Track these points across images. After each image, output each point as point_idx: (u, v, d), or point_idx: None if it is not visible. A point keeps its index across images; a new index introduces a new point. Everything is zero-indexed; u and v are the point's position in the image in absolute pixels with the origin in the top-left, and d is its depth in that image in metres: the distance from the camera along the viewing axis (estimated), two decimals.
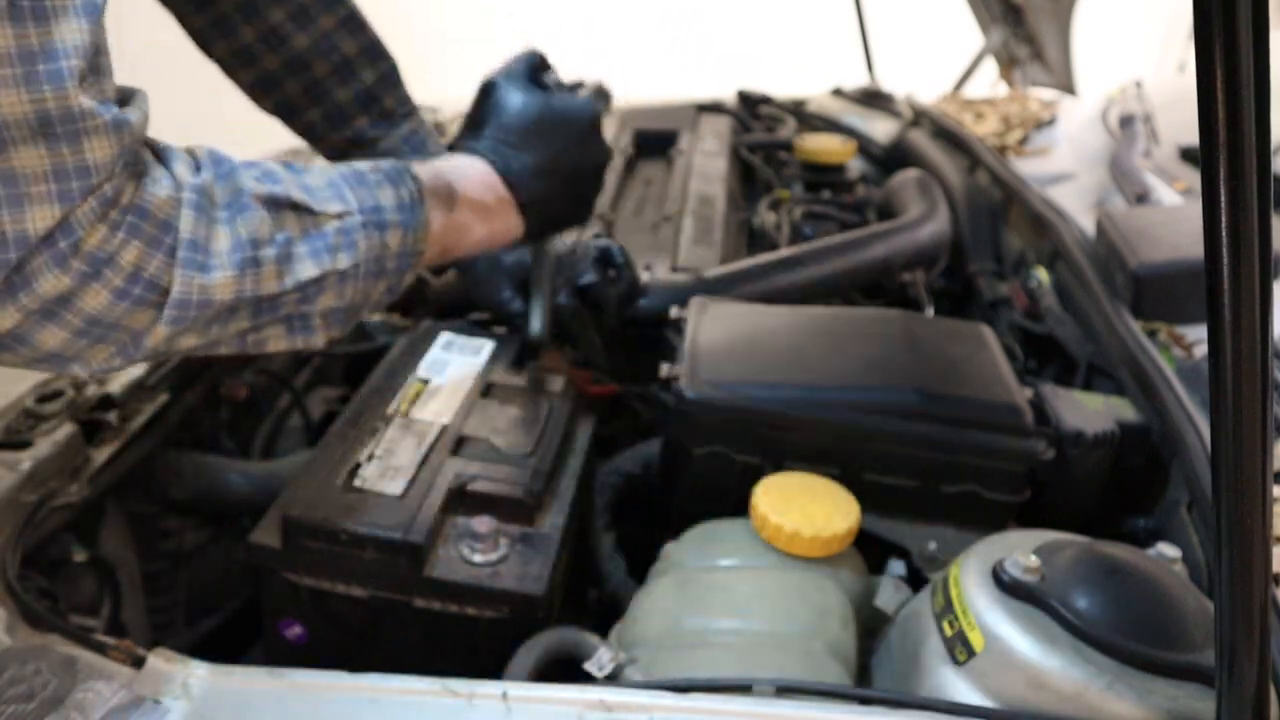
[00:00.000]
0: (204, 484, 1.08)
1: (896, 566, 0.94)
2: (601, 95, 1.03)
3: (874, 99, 2.32)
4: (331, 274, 0.73)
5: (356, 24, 1.09)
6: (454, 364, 1.10)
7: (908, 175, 1.75)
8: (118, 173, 0.61)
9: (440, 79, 2.93)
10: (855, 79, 2.46)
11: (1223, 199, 0.52)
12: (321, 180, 0.76)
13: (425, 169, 0.84)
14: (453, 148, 0.94)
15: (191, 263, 0.65)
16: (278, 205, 0.71)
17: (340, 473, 0.90)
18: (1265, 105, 0.51)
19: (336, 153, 1.11)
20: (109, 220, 0.61)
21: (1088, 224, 1.42)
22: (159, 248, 0.64)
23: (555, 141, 0.93)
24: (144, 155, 0.64)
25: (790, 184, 1.83)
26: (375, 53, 1.11)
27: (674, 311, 1.14)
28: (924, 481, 0.96)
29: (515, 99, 0.93)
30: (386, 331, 1.38)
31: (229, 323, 0.70)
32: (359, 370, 1.29)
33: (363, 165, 0.80)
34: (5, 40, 0.54)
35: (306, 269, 0.72)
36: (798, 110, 2.20)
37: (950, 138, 1.93)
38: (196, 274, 0.66)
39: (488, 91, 0.95)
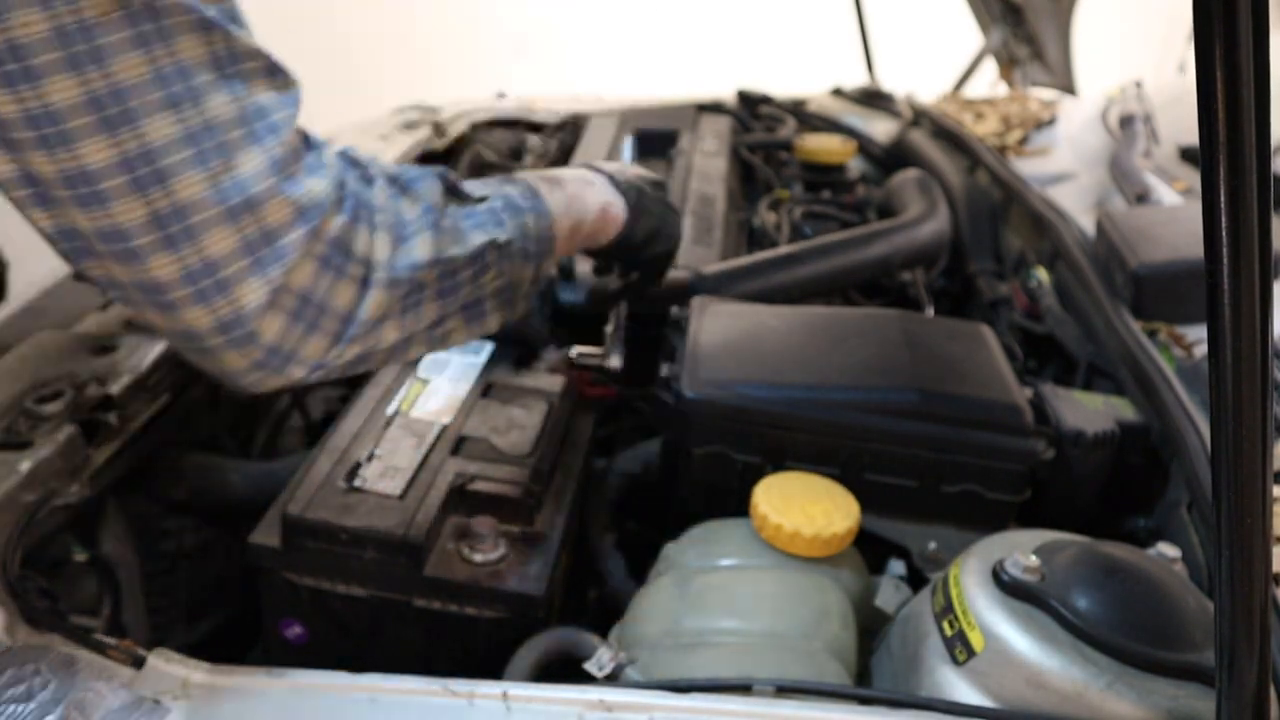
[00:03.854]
0: (204, 484, 1.08)
1: (896, 566, 0.94)
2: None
3: (874, 99, 2.32)
4: (493, 247, 0.78)
5: None
6: (454, 364, 1.10)
7: (908, 175, 1.75)
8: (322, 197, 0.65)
9: (441, 79, 2.93)
10: (855, 79, 2.46)
11: (1223, 199, 0.52)
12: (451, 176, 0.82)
13: (526, 172, 0.91)
14: None
15: (390, 225, 0.70)
16: (442, 182, 0.77)
17: (340, 473, 0.90)
18: (1265, 105, 0.51)
19: None
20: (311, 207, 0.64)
21: (1088, 224, 1.42)
22: (360, 221, 0.67)
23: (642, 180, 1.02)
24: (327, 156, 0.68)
25: (790, 184, 1.83)
26: None
27: (674, 311, 1.14)
28: (924, 481, 0.96)
29: None
30: None
31: (420, 308, 0.73)
32: None
33: (475, 180, 0.86)
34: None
35: (475, 237, 0.77)
36: (798, 110, 2.20)
37: (950, 138, 1.93)
38: (398, 234, 0.70)
39: None
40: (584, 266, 1.21)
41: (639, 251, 1.01)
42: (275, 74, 0.63)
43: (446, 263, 0.74)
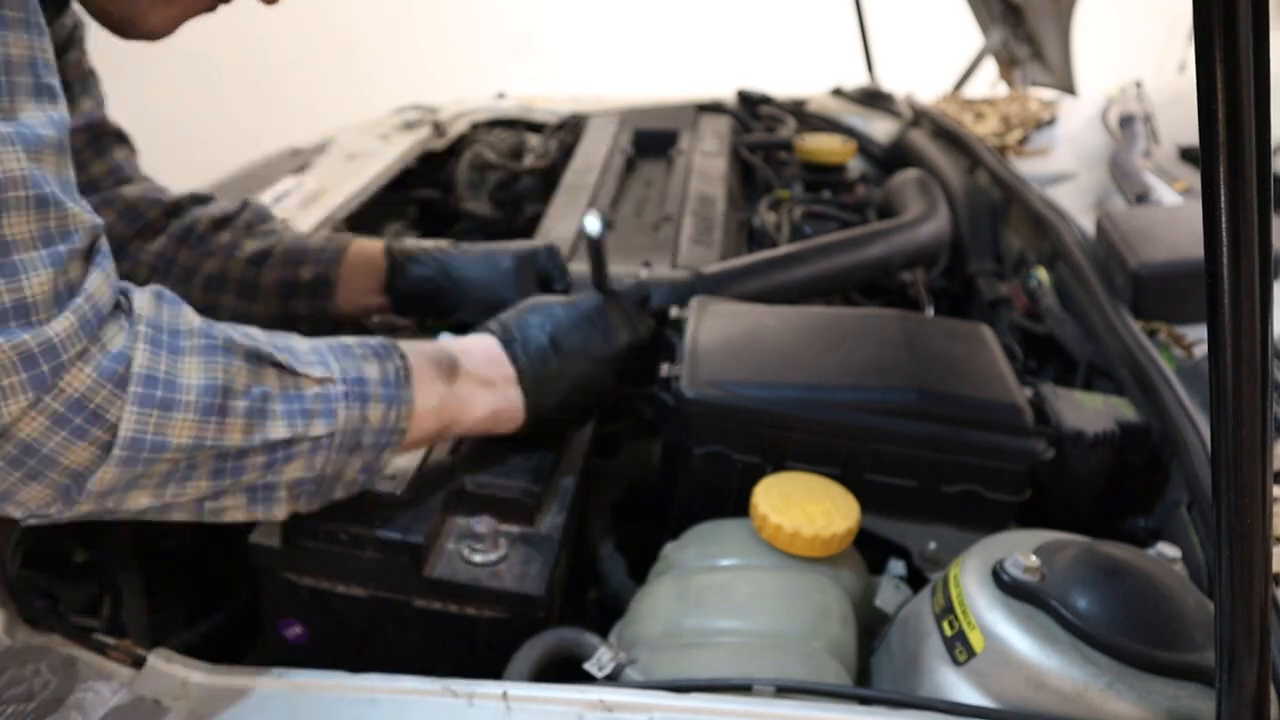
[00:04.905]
0: None
1: (896, 566, 0.94)
2: (639, 290, 1.05)
3: (874, 99, 2.32)
4: (304, 440, 0.71)
5: None
6: None
7: (908, 175, 1.75)
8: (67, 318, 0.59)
9: (441, 79, 2.93)
10: (855, 79, 2.46)
11: (1223, 199, 0.52)
12: (305, 346, 0.75)
13: (425, 345, 0.85)
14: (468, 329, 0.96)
15: (148, 399, 0.62)
16: (259, 359, 0.69)
17: None
18: (1265, 105, 0.51)
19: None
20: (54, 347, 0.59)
21: (1088, 224, 1.42)
22: (115, 383, 0.61)
23: (563, 323, 0.94)
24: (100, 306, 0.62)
25: (790, 184, 1.83)
26: None
27: (674, 311, 1.14)
28: (924, 481, 0.96)
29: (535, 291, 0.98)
30: (386, 331, 1.38)
31: (186, 482, 0.67)
32: None
33: (349, 340, 0.79)
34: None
35: (278, 429, 0.69)
36: (798, 110, 2.20)
37: (950, 138, 1.93)
38: (155, 410, 0.63)
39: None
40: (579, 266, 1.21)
41: (563, 420, 0.96)
42: (47, 207, 0.58)
43: (220, 449, 0.66)
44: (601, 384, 0.97)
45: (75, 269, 0.60)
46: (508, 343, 0.91)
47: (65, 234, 0.60)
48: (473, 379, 0.86)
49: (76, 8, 0.85)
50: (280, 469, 0.71)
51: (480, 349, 0.90)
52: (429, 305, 1.17)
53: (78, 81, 1.05)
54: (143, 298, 0.66)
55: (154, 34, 0.84)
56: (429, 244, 1.18)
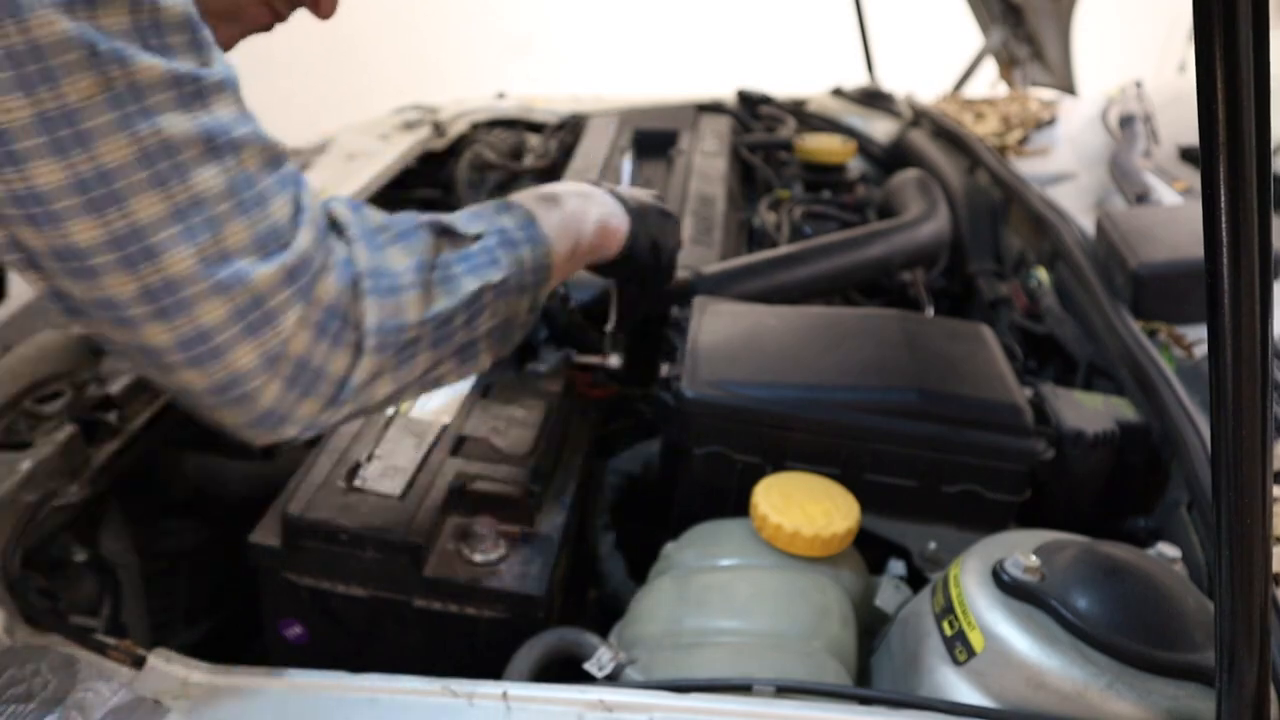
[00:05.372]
0: (204, 484, 1.08)
1: (896, 566, 0.94)
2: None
3: (874, 99, 2.32)
4: (488, 289, 0.77)
5: None
6: None
7: (908, 175, 1.75)
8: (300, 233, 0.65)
9: (441, 79, 2.93)
10: (855, 79, 2.46)
11: (1223, 199, 0.52)
12: (451, 215, 0.81)
13: (523, 193, 0.90)
14: None
15: (378, 289, 0.69)
16: (434, 230, 0.76)
17: (340, 473, 0.90)
18: (1265, 105, 0.51)
19: None
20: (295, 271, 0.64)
21: (1088, 224, 1.42)
22: (351, 285, 0.67)
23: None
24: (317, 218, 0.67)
25: (790, 184, 1.83)
26: None
27: (674, 311, 1.14)
28: (924, 481, 0.96)
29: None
30: None
31: (414, 359, 0.73)
32: None
33: (473, 207, 0.84)
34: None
35: (468, 284, 0.76)
36: (798, 110, 2.20)
37: (950, 138, 1.93)
38: (388, 297, 0.69)
39: None
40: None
41: (641, 263, 1.00)
42: (262, 139, 0.63)
43: (438, 316, 0.73)
44: (675, 249, 1.06)
45: (296, 188, 0.66)
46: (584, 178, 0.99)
47: (279, 159, 0.65)
48: (573, 197, 0.93)
49: None
50: (476, 323, 0.78)
51: (565, 182, 0.97)
52: None
53: None
54: (339, 207, 0.72)
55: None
56: None
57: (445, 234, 0.77)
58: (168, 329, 0.60)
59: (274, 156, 0.64)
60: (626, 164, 1.06)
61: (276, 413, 0.66)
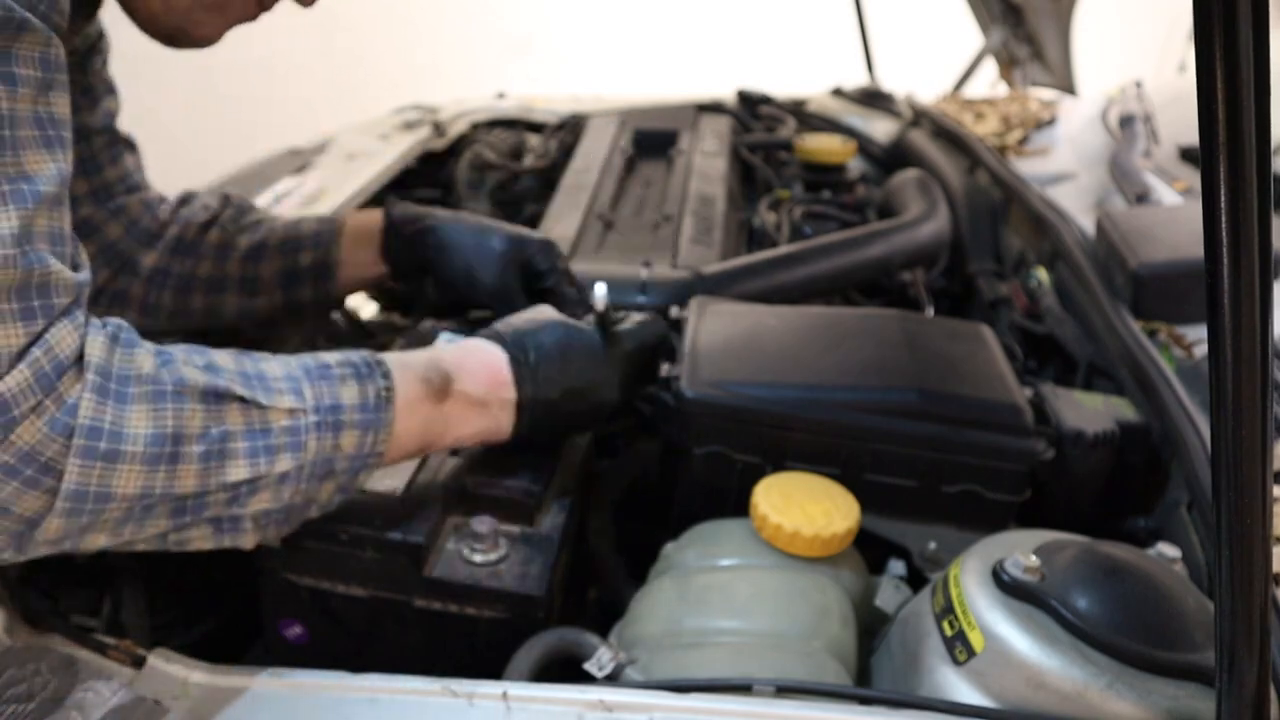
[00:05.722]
0: None
1: (896, 566, 0.94)
2: (651, 326, 1.00)
3: (874, 99, 2.32)
4: (264, 478, 0.69)
5: None
6: None
7: (908, 175, 1.75)
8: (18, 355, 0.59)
9: (441, 79, 2.93)
10: (855, 79, 2.46)
11: (1223, 199, 0.52)
12: (280, 371, 0.73)
13: (418, 358, 0.82)
14: (478, 330, 0.93)
15: (91, 451, 0.61)
16: (219, 398, 0.67)
17: None
18: (1265, 105, 0.51)
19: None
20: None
21: (1088, 224, 1.42)
22: (65, 434, 0.60)
23: (578, 356, 0.90)
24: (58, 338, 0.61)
25: (790, 184, 1.83)
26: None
27: (674, 311, 1.14)
28: (924, 481, 0.96)
29: (547, 312, 0.94)
30: (386, 331, 1.38)
31: (145, 522, 0.66)
32: None
33: (331, 357, 0.76)
34: None
35: (238, 470, 0.67)
36: (798, 110, 2.20)
37: (950, 138, 1.93)
38: (99, 463, 0.61)
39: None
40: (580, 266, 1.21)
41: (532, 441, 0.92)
42: (30, 268, 0.58)
43: (171, 495, 0.65)
44: (591, 419, 0.94)
45: (45, 324, 0.60)
46: (517, 363, 0.87)
47: (44, 289, 0.60)
48: (465, 399, 0.83)
49: (103, 17, 0.85)
50: (245, 502, 0.70)
51: (485, 367, 0.86)
52: (421, 267, 1.17)
53: (100, 85, 1.07)
54: (96, 343, 0.64)
55: (203, 42, 0.85)
56: (426, 207, 1.18)
57: (240, 402, 0.68)
58: None
59: (40, 283, 0.59)
60: (600, 292, 0.97)
61: None
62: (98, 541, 0.66)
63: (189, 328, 1.16)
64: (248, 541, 0.74)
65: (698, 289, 1.21)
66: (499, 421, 0.87)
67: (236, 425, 0.67)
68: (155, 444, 0.63)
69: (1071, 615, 0.70)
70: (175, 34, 0.84)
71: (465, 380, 0.84)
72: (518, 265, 1.13)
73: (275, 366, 0.73)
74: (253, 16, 0.85)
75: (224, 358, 0.71)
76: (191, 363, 0.68)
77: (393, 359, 0.80)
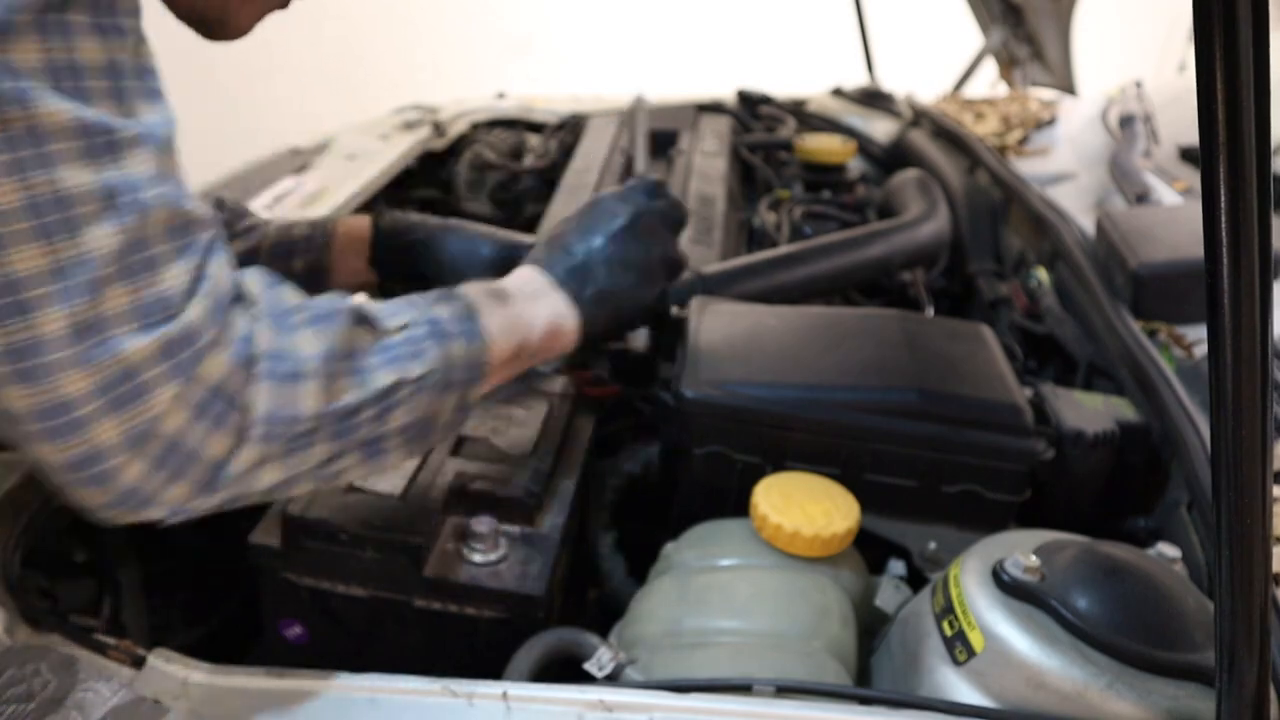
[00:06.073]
0: None
1: (896, 566, 0.94)
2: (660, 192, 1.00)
3: (874, 99, 2.32)
4: (404, 383, 0.72)
5: None
6: None
7: (908, 175, 1.75)
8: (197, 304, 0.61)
9: (441, 79, 2.93)
10: (855, 79, 2.46)
11: (1223, 199, 0.52)
12: (377, 304, 0.77)
13: (469, 285, 0.86)
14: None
15: (275, 373, 0.64)
16: (354, 319, 0.71)
17: None
18: (1265, 105, 0.51)
19: None
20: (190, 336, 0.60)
21: (1088, 224, 1.42)
22: (243, 365, 0.63)
23: (593, 225, 0.94)
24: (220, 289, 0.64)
25: (790, 184, 1.83)
26: None
27: (674, 311, 1.14)
28: (924, 481, 0.96)
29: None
30: None
31: (310, 449, 0.68)
32: None
33: (410, 296, 0.81)
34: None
35: (381, 378, 0.71)
36: (798, 110, 2.20)
37: (950, 138, 1.93)
38: (285, 384, 0.65)
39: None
40: None
41: (605, 338, 0.97)
42: (176, 207, 0.60)
43: (341, 410, 0.68)
44: (641, 271, 0.95)
45: (200, 259, 0.62)
46: (535, 261, 0.93)
47: (190, 228, 0.61)
48: (522, 296, 0.88)
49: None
50: (387, 418, 0.73)
51: (515, 274, 0.92)
52: (410, 276, 1.17)
53: None
54: (252, 281, 0.68)
55: (240, 33, 0.85)
56: (415, 217, 1.18)
57: (364, 322, 0.72)
58: (27, 394, 0.56)
59: (186, 222, 0.61)
60: (640, 152, 1.07)
61: (140, 494, 0.61)
62: (269, 478, 0.67)
63: None
64: (394, 460, 0.76)
65: (698, 289, 1.21)
66: (560, 306, 0.90)
67: (368, 342, 0.72)
68: (326, 360, 0.67)
69: (1071, 615, 0.70)
70: (217, 25, 0.83)
71: (512, 284, 0.89)
72: (509, 270, 1.13)
73: (373, 301, 0.77)
74: (283, 4, 0.85)
75: (334, 295, 0.75)
76: (320, 296, 0.73)
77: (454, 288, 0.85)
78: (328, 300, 0.72)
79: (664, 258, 0.97)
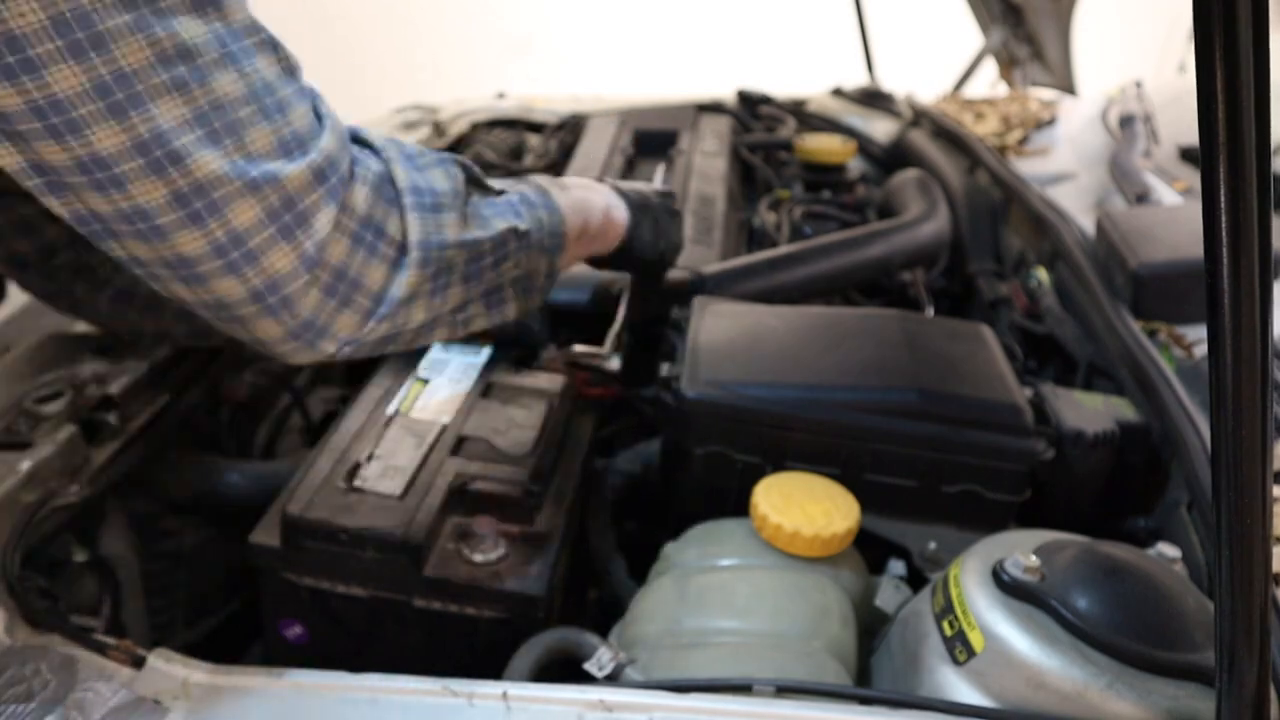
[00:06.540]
0: (204, 484, 1.08)
1: (896, 566, 0.94)
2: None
3: (874, 99, 2.32)
4: (513, 235, 0.79)
5: None
6: (454, 364, 1.10)
7: (908, 175, 1.75)
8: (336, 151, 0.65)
9: (441, 79, 2.93)
10: (855, 79, 2.46)
11: (1223, 199, 0.52)
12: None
13: (529, 176, 0.92)
14: None
15: (422, 205, 0.70)
16: (464, 169, 0.77)
17: (340, 473, 0.90)
18: (1265, 105, 0.51)
19: None
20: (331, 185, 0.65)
21: (1088, 224, 1.42)
22: (386, 198, 0.68)
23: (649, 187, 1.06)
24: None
25: (790, 184, 1.83)
26: None
27: (674, 311, 1.14)
28: (924, 481, 0.96)
29: None
30: None
31: (447, 290, 0.74)
32: (359, 370, 1.29)
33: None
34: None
35: (497, 223, 0.78)
36: (798, 110, 2.20)
37: (950, 138, 1.93)
38: (430, 214, 0.70)
39: None
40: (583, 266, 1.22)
41: (641, 256, 1.03)
42: (277, 49, 0.63)
43: (473, 245, 0.74)
44: (676, 243, 1.08)
45: (314, 99, 0.66)
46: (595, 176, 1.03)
47: (295, 70, 0.65)
48: (578, 186, 0.96)
49: None
50: (502, 268, 0.79)
51: (573, 177, 0.99)
52: None
53: None
54: (374, 133, 0.72)
55: None
56: None
57: (474, 178, 0.78)
58: (201, 235, 0.59)
59: (290, 66, 0.64)
60: (659, 174, 1.20)
61: (316, 323, 0.66)
62: (418, 316, 0.73)
63: (178, 336, 1.15)
64: (510, 312, 0.83)
65: (698, 289, 1.21)
66: (612, 199, 0.99)
67: (480, 194, 0.79)
68: (456, 196, 0.73)
69: (1071, 615, 0.70)
70: None
71: (568, 179, 0.96)
72: None
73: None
74: None
75: None
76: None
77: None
78: (438, 154, 0.76)
79: (678, 221, 1.09)
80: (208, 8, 0.58)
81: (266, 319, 0.65)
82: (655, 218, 1.03)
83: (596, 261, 1.03)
